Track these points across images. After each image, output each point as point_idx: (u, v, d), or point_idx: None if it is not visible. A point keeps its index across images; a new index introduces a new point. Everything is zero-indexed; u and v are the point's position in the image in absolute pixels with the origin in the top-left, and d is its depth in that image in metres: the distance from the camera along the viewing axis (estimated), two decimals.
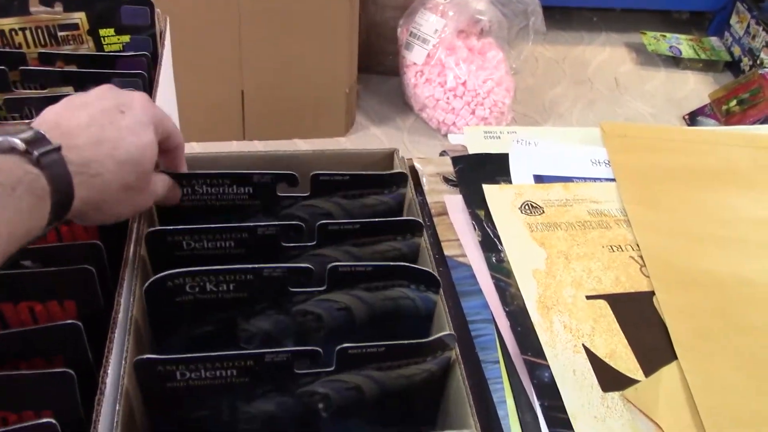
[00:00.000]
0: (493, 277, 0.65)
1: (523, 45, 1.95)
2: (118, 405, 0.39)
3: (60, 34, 0.61)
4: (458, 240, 0.69)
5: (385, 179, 0.54)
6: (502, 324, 0.61)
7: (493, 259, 0.67)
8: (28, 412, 0.37)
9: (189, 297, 0.44)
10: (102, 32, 0.62)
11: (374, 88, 1.99)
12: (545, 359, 0.58)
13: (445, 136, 1.80)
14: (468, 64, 1.79)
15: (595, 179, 0.76)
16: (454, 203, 0.72)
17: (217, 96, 1.72)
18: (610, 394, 0.56)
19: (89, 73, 0.56)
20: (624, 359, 0.59)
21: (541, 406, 0.55)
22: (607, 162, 0.78)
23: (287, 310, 0.46)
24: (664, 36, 2.24)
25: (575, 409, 0.55)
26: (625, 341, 0.60)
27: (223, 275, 0.44)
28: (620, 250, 0.68)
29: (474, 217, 0.71)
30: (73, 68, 0.57)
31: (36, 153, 0.37)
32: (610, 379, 0.57)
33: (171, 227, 0.47)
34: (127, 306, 0.43)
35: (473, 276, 0.66)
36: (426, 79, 1.81)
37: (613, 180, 0.76)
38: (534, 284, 0.65)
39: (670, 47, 2.20)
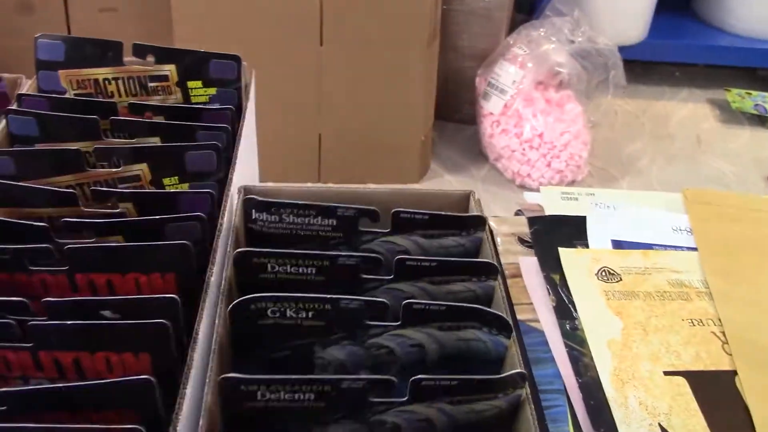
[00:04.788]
0: (566, 345, 0.63)
1: (602, 98, 1.92)
2: (201, 420, 0.40)
3: (150, 84, 0.63)
4: (531, 304, 0.67)
5: (463, 221, 0.55)
6: (574, 396, 0.59)
7: (567, 326, 0.65)
8: None
9: (270, 321, 0.46)
10: (190, 84, 0.64)
11: (450, 136, 1.99)
12: None
13: (520, 187, 1.79)
14: (545, 116, 1.77)
15: (676, 247, 0.73)
16: (529, 265, 0.71)
17: (295, 139, 1.75)
18: None
19: (175, 125, 0.58)
20: None
21: None
22: (689, 230, 0.75)
23: (362, 341, 0.47)
24: (750, 93, 2.18)
25: None
26: (704, 423, 0.57)
27: (303, 303, 0.45)
28: (701, 324, 0.65)
29: (549, 281, 0.69)
30: (161, 119, 0.58)
31: None
32: None
33: (257, 249, 0.49)
34: (210, 323, 0.45)
35: (546, 343, 0.64)
36: (502, 129, 1.80)
37: (695, 249, 0.73)
38: (609, 355, 0.62)
39: (755, 105, 2.13)
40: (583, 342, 0.64)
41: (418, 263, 0.50)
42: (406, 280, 0.50)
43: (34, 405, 0.40)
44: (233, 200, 0.55)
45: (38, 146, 0.56)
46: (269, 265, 0.49)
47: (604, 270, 0.70)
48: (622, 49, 1.87)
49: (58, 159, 0.54)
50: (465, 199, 0.59)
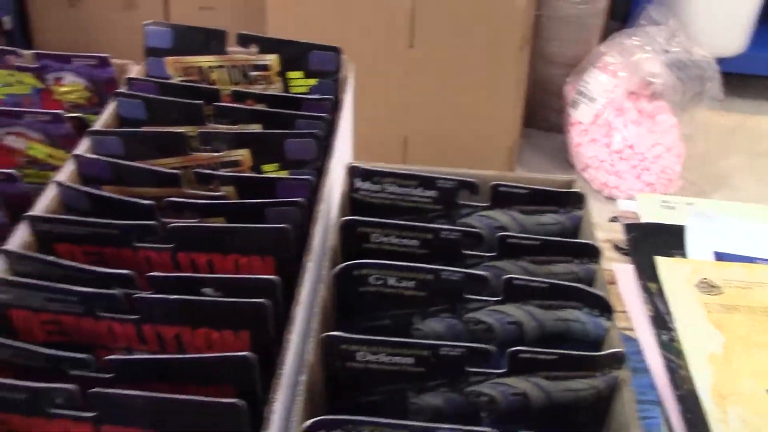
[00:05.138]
0: (662, 356, 0.61)
1: (696, 110, 1.86)
2: (303, 376, 0.41)
3: (252, 73, 0.64)
4: (626, 312, 0.65)
5: (563, 197, 0.54)
6: (670, 408, 0.57)
7: (664, 337, 0.63)
8: None
9: (372, 289, 0.46)
10: (290, 75, 0.64)
11: (536, 144, 1.96)
12: None
13: (608, 198, 1.74)
14: (637, 127, 1.73)
15: None
16: (624, 273, 0.69)
17: (380, 140, 1.75)
18: None
19: (276, 113, 0.58)
20: None
21: None
22: None
23: (461, 315, 0.47)
24: None
25: None
26: None
27: (405, 272, 0.46)
28: None
29: (645, 290, 0.67)
30: (262, 107, 0.59)
31: None
32: None
33: (363, 218, 0.49)
34: (314, 288, 0.47)
35: (640, 352, 0.62)
36: (591, 138, 1.76)
37: None
38: (709, 370, 0.60)
39: None
40: (680, 354, 0.61)
41: (521, 241, 0.49)
42: (508, 257, 0.49)
43: (138, 374, 0.40)
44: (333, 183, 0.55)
45: (145, 129, 0.57)
46: (373, 235, 0.49)
47: (705, 282, 0.68)
48: (719, 61, 1.81)
49: (163, 141, 0.55)
50: (566, 185, 0.58)
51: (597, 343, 0.48)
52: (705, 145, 1.99)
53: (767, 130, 2.08)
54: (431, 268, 0.45)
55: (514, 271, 0.50)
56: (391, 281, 0.46)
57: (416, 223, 0.49)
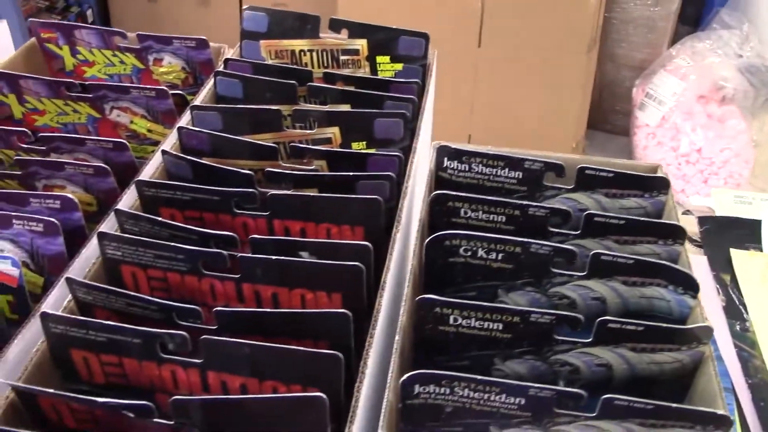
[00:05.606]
0: (735, 345, 0.62)
1: (767, 116, 1.83)
2: (397, 336, 0.43)
3: (341, 57, 0.67)
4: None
5: (647, 182, 0.55)
6: (743, 396, 0.58)
7: (737, 327, 0.63)
8: (297, 386, 0.41)
9: (461, 259, 0.48)
10: (378, 59, 0.67)
11: (600, 146, 1.95)
12: None
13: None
14: (705, 131, 1.71)
15: None
16: (698, 264, 0.69)
17: (445, 136, 1.77)
18: None
19: (365, 93, 0.61)
20: None
21: None
22: None
23: (545, 289, 0.48)
24: None
25: None
26: None
27: (494, 244, 0.47)
28: None
29: (718, 280, 0.67)
30: (351, 88, 0.62)
31: None
32: None
33: (453, 192, 0.51)
34: (402, 257, 0.50)
35: (714, 341, 0.62)
36: (658, 141, 1.75)
37: None
38: None
39: None
40: (754, 344, 0.62)
41: (606, 220, 0.50)
42: (592, 236, 0.51)
43: (241, 326, 0.43)
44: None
45: (243, 106, 0.60)
46: (462, 210, 0.51)
47: None
48: None
49: (260, 118, 0.58)
50: (651, 171, 0.59)
51: (681, 321, 0.48)
52: None
53: None
54: (520, 241, 0.47)
55: (599, 249, 0.51)
56: (480, 253, 0.47)
57: (504, 199, 0.51)
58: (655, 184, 0.54)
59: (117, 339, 0.42)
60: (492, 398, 0.40)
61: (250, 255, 0.46)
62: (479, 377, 0.39)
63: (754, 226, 0.73)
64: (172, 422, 0.39)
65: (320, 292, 0.46)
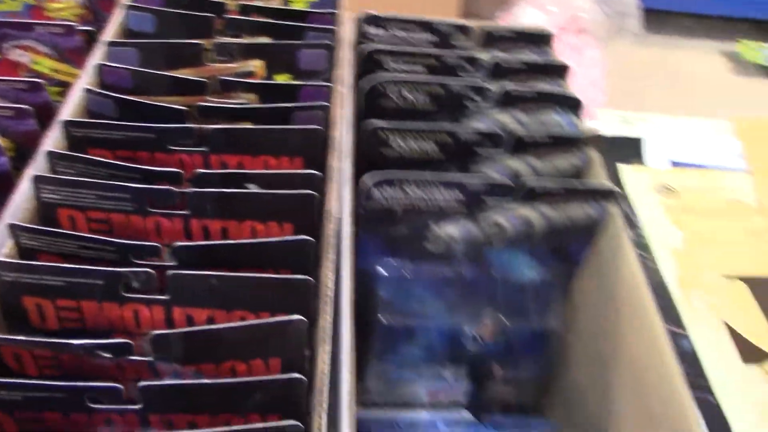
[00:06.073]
0: None
1: (618, 46, 1.94)
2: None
3: None
4: None
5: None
6: None
7: (631, 234, 0.70)
8: (265, 313, 0.42)
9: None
10: None
11: None
12: (685, 329, 0.61)
13: None
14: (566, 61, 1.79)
15: (732, 169, 0.78)
16: None
17: None
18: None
19: (286, 25, 0.60)
20: (765, 338, 0.61)
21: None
22: (742, 154, 0.80)
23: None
24: (762, 46, 2.21)
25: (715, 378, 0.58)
26: (767, 323, 0.62)
27: (420, 86, 0.56)
28: (759, 236, 0.70)
29: None
30: (270, 20, 0.61)
31: None
32: (749, 352, 0.60)
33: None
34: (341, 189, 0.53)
35: None
36: None
37: (749, 172, 0.78)
38: (673, 262, 0.67)
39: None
40: (647, 248, 0.68)
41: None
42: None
43: (200, 260, 0.43)
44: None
45: (161, 41, 0.58)
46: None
47: (664, 186, 0.75)
48: None
49: (180, 52, 0.57)
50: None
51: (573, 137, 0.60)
52: (629, 81, 2.09)
53: (685, 66, 2.19)
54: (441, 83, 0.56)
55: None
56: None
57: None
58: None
59: (76, 281, 0.41)
60: (435, 196, 0.49)
61: (198, 189, 0.46)
62: (427, 174, 0.50)
63: (636, 144, 0.80)
64: (149, 358, 0.39)
65: (271, 222, 0.47)
